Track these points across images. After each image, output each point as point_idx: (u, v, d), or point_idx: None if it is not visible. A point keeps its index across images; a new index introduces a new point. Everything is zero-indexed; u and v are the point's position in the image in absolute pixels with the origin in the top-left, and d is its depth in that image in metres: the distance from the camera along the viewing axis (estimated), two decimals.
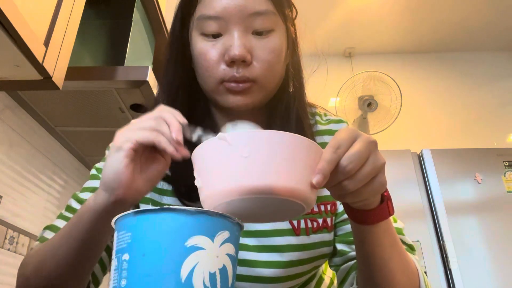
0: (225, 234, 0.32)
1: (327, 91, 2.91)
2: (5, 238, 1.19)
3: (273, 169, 0.36)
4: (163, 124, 0.45)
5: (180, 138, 0.44)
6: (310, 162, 0.38)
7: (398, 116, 2.65)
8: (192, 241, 0.30)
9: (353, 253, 0.63)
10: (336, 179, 0.39)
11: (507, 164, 2.10)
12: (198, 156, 0.40)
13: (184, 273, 0.29)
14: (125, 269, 0.30)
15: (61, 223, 0.61)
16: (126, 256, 0.30)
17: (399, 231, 0.62)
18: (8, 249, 1.20)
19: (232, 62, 0.55)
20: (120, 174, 0.43)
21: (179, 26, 0.63)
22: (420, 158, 2.22)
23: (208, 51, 0.57)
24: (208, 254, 0.30)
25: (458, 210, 2.03)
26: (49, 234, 0.60)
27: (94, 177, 0.66)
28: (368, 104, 2.76)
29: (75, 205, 0.63)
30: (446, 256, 1.94)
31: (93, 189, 0.63)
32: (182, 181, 0.61)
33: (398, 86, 2.64)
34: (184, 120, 0.46)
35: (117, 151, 0.43)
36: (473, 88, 3.07)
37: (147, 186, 0.47)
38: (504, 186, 2.05)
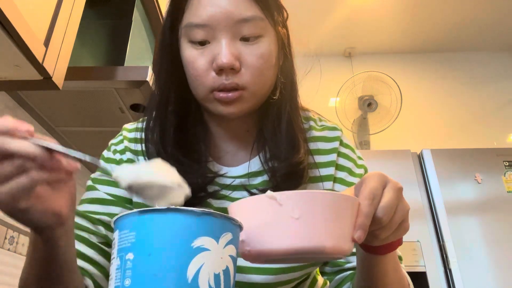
0: (229, 236, 0.32)
1: (327, 91, 2.91)
2: (5, 238, 1.18)
3: (323, 230, 0.37)
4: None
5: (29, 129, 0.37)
6: (352, 217, 0.39)
7: (398, 116, 2.65)
8: (198, 242, 0.30)
9: (349, 264, 0.65)
10: (370, 228, 0.41)
11: (507, 164, 2.10)
12: (243, 210, 0.40)
13: (190, 274, 0.29)
14: (130, 268, 0.30)
15: None
16: (130, 256, 0.30)
17: None
18: (8, 249, 1.20)
19: (220, 70, 0.55)
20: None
21: (168, 33, 0.62)
22: (420, 158, 2.22)
23: (196, 60, 0.56)
24: (214, 255, 0.30)
25: (458, 210, 2.03)
26: None
27: (90, 188, 0.65)
28: (368, 104, 2.76)
29: (76, 219, 0.62)
30: (446, 256, 1.94)
31: (90, 200, 0.64)
32: None
33: (398, 86, 2.64)
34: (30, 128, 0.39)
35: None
36: (473, 88, 3.07)
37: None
38: (504, 186, 2.05)
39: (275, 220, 0.37)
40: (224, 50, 0.54)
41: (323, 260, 0.46)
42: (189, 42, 0.57)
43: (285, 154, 0.59)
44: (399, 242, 0.48)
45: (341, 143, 0.68)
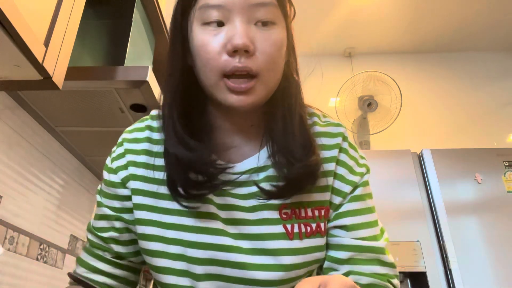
0: None
1: (327, 91, 2.90)
2: (5, 238, 1.18)
3: None
4: None
5: None
6: None
7: (398, 116, 2.65)
8: None
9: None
10: None
11: (507, 164, 2.10)
12: None
13: None
14: None
15: (85, 257, 0.67)
16: None
17: (381, 251, 0.61)
18: (8, 249, 1.20)
19: (234, 52, 0.53)
20: None
21: (179, 20, 0.61)
22: (420, 158, 2.22)
23: (209, 42, 0.55)
24: None
25: (458, 210, 2.03)
26: (78, 268, 0.66)
27: (98, 204, 0.68)
28: (368, 104, 2.76)
29: (91, 237, 0.67)
30: (446, 256, 1.94)
31: (99, 217, 0.66)
32: (178, 181, 0.60)
33: (398, 86, 2.64)
34: None
35: None
36: (473, 88, 3.07)
37: None
38: (504, 186, 2.05)
39: None
40: (239, 31, 0.53)
41: None
42: (202, 25, 0.56)
43: (301, 154, 0.58)
44: None
45: (344, 139, 0.67)
